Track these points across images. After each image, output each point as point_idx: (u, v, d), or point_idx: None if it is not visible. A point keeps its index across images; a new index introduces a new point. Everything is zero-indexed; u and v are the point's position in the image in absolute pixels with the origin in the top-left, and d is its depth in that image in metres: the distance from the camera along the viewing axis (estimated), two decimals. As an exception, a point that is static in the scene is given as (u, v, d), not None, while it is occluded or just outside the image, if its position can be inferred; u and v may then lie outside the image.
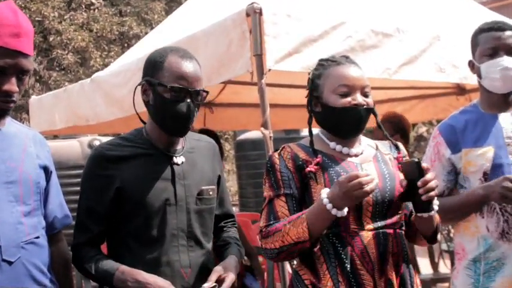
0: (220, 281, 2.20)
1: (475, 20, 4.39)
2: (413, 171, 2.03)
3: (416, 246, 5.43)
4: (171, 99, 2.18)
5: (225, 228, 2.51)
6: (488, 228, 2.51)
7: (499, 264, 2.49)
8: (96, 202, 2.22)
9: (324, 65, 2.23)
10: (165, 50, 2.27)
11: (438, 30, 3.88)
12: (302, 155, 2.17)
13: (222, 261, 2.29)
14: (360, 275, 2.06)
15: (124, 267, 2.17)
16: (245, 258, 4.20)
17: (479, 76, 2.61)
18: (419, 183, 1.99)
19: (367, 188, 1.93)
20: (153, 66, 2.23)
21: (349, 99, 2.13)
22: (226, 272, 2.23)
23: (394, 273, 2.10)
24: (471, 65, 2.67)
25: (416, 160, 2.04)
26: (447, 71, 3.84)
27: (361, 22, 3.59)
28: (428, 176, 2.01)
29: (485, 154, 2.52)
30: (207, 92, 2.27)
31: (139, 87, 2.30)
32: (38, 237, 2.09)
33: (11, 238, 1.98)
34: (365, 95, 2.17)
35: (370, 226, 2.09)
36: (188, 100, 2.18)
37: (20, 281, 1.99)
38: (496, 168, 2.50)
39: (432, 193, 2.01)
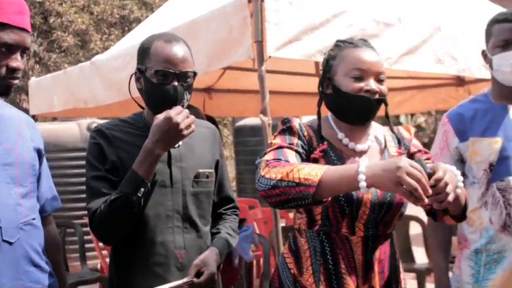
0: (199, 274, 2.20)
1: (476, 12, 4.40)
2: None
3: (411, 236, 5.47)
4: (157, 83, 2.21)
5: (223, 216, 2.51)
6: (491, 220, 2.50)
7: (499, 256, 2.48)
8: (106, 170, 2.22)
9: (341, 46, 2.11)
10: (153, 36, 2.31)
11: (439, 21, 3.89)
12: (315, 142, 2.07)
13: (202, 254, 2.28)
14: (343, 278, 2.02)
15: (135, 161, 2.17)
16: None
17: (491, 67, 2.55)
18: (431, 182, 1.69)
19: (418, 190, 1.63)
20: (142, 53, 2.28)
21: (362, 84, 2.02)
22: (205, 265, 2.22)
23: (378, 280, 2.06)
24: (484, 55, 2.61)
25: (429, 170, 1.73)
26: (446, 63, 3.85)
27: (362, 11, 3.59)
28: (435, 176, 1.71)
29: (493, 145, 2.49)
30: (195, 73, 2.28)
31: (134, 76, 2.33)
32: (34, 219, 2.11)
33: (11, 219, 2.00)
34: (379, 81, 2.05)
35: (361, 233, 2.03)
36: (175, 83, 2.20)
37: (18, 262, 2.01)
38: (503, 160, 2.47)
39: (443, 203, 1.73)
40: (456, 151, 2.59)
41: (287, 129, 2.06)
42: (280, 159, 1.92)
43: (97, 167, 2.24)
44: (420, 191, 1.63)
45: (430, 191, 1.66)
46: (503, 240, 2.48)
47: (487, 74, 3.75)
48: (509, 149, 2.48)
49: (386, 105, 2.12)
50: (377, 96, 2.03)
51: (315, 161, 2.02)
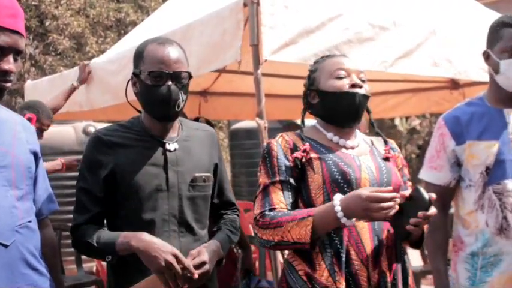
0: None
1: (470, 16, 4.42)
2: (422, 202, 1.94)
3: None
4: (152, 84, 2.23)
5: (224, 215, 2.53)
6: (488, 223, 2.50)
7: (496, 259, 2.49)
8: (94, 184, 2.26)
9: (319, 60, 2.29)
10: (147, 40, 2.34)
11: (434, 25, 3.90)
12: (300, 144, 2.17)
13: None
14: (354, 265, 2.06)
15: (127, 232, 2.20)
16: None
17: (496, 71, 2.53)
18: (420, 213, 1.93)
19: (388, 212, 1.92)
20: (137, 57, 2.31)
21: (346, 81, 2.15)
22: (200, 254, 2.23)
23: (387, 266, 2.11)
24: (486, 55, 2.59)
25: (429, 197, 1.95)
26: (442, 66, 3.86)
27: (358, 15, 3.61)
28: (431, 211, 1.96)
29: (489, 148, 2.50)
30: (191, 75, 2.30)
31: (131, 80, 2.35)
32: (30, 221, 2.10)
33: (6, 222, 1.99)
34: (361, 80, 2.19)
35: None
36: (169, 83, 2.22)
37: (14, 265, 2.00)
38: (499, 164, 2.48)
39: (418, 230, 2.00)
40: (453, 154, 2.60)
41: (267, 154, 2.18)
42: (265, 212, 2.10)
43: (86, 178, 2.27)
44: (384, 214, 1.91)
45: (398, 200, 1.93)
46: (499, 243, 2.48)
47: (482, 77, 3.76)
48: (505, 152, 2.49)
49: (369, 112, 2.27)
50: (363, 91, 2.16)
51: (309, 161, 2.13)
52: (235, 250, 4.00)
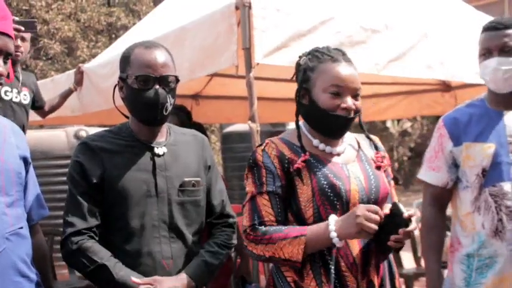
0: None
1: (462, 19, 4.43)
2: (400, 219, 1.96)
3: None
4: (138, 88, 2.21)
5: (212, 231, 2.45)
6: (484, 225, 2.51)
7: (491, 261, 2.50)
8: (89, 188, 2.22)
9: (320, 58, 2.14)
10: (133, 44, 2.32)
11: (426, 28, 3.91)
12: (287, 152, 2.12)
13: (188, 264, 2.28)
14: (345, 276, 2.04)
15: None
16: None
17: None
18: (400, 231, 1.94)
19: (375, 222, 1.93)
20: (123, 61, 2.29)
21: (338, 102, 2.06)
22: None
23: (375, 273, 2.10)
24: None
25: (408, 214, 1.96)
26: (434, 68, 3.87)
27: (350, 18, 3.61)
28: (411, 227, 1.96)
29: (486, 150, 2.51)
30: (178, 79, 2.29)
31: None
32: (21, 228, 2.08)
33: None
34: (356, 97, 2.10)
35: None
36: (156, 87, 2.21)
37: (5, 273, 1.98)
38: (495, 166, 2.49)
39: (399, 245, 1.99)
40: (450, 155, 2.61)
41: (253, 163, 2.14)
42: (256, 225, 2.07)
43: (80, 183, 2.23)
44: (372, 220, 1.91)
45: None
46: (494, 246, 2.49)
47: (474, 79, 3.79)
48: (502, 154, 2.50)
49: (359, 116, 2.19)
50: (352, 114, 2.09)
51: (298, 171, 2.08)
52: (233, 259, 3.98)
